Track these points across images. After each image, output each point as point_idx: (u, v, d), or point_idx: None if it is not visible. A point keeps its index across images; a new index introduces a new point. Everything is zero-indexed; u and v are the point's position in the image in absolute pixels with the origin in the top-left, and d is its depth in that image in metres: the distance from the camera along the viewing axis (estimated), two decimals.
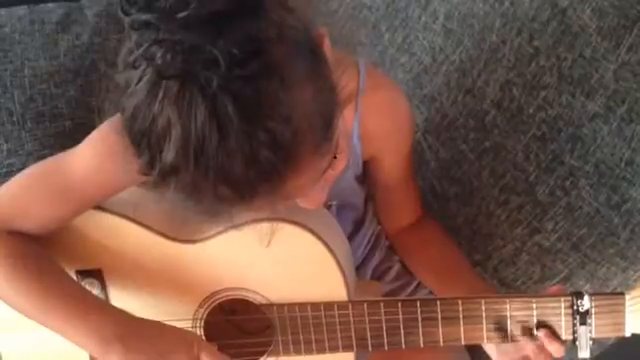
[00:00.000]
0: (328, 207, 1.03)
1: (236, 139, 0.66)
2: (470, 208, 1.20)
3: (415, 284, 1.12)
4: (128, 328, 0.91)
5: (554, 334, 0.90)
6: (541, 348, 0.90)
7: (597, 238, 1.10)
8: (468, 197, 1.21)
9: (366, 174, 1.07)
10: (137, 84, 0.68)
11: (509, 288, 1.15)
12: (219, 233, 0.94)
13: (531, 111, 1.16)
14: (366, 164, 1.05)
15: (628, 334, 0.89)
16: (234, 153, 0.67)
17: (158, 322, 0.93)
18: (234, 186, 0.69)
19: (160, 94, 0.67)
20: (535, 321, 0.90)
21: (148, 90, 0.67)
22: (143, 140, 0.70)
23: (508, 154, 1.17)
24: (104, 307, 0.94)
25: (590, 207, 1.10)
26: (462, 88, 1.24)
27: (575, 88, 1.12)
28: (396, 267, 1.13)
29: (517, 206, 1.16)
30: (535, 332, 0.90)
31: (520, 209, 1.16)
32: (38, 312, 0.92)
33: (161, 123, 0.68)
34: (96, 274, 0.99)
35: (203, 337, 0.98)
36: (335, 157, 0.76)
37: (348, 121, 0.96)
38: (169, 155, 0.68)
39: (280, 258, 0.93)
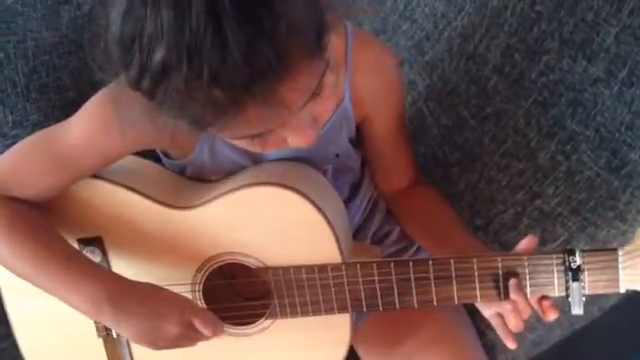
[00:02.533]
0: (324, 172, 1.03)
1: (232, 32, 0.66)
2: (471, 174, 1.20)
3: (416, 247, 1.13)
4: (119, 290, 0.92)
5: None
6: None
7: (597, 202, 1.10)
8: (469, 163, 1.21)
9: (360, 137, 1.07)
10: None
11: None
12: (215, 198, 0.95)
13: (533, 76, 1.15)
14: (359, 126, 1.05)
15: (623, 290, 0.89)
16: (230, 48, 0.66)
17: (151, 285, 0.94)
18: (228, 87, 0.68)
19: None
20: (527, 278, 0.91)
21: None
22: (134, 43, 0.69)
23: (509, 120, 1.17)
24: (96, 269, 0.96)
25: (590, 171, 1.10)
26: (464, 54, 1.23)
27: (577, 52, 1.11)
28: (396, 230, 1.13)
29: (518, 171, 1.16)
30: (528, 291, 0.91)
31: (521, 174, 1.16)
32: (32, 273, 0.94)
33: (153, 22, 0.67)
34: (97, 242, 1.00)
35: (201, 301, 1.00)
36: (326, 70, 0.76)
37: (340, 82, 0.96)
38: (160, 53, 0.67)
39: (273, 222, 0.94)
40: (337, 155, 1.04)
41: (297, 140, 0.81)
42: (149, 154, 1.05)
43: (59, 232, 0.98)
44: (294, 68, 0.70)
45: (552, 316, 0.90)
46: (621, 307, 1.10)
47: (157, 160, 1.07)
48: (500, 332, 0.93)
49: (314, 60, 0.73)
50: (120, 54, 0.71)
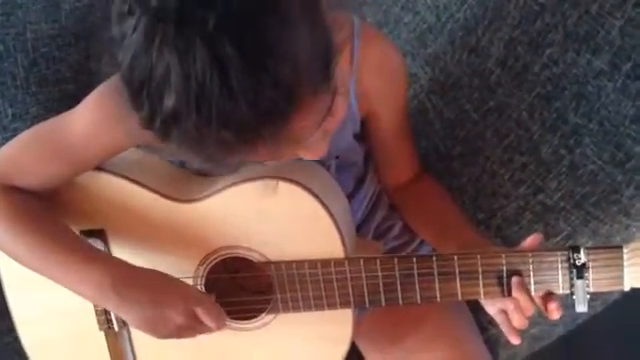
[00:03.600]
0: (327, 166, 1.03)
1: (237, 79, 0.66)
2: (474, 168, 1.20)
3: (418, 242, 1.12)
4: (124, 277, 0.92)
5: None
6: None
7: (600, 196, 1.09)
8: (472, 157, 1.20)
9: (364, 131, 1.06)
10: (133, 33, 0.68)
11: (512, 247, 1.15)
12: (218, 191, 0.95)
13: (536, 69, 1.15)
14: (364, 121, 1.05)
15: (627, 288, 0.89)
16: (236, 95, 0.66)
17: (157, 272, 0.94)
18: (237, 130, 0.69)
19: (157, 40, 0.66)
20: (532, 275, 0.90)
21: (145, 37, 0.67)
22: (143, 90, 0.69)
23: (512, 113, 1.17)
24: (101, 256, 0.96)
25: (594, 165, 1.10)
26: (466, 47, 1.23)
27: (580, 45, 1.11)
28: (398, 225, 1.13)
29: (521, 165, 1.16)
30: (532, 288, 0.90)
31: (524, 168, 1.16)
32: (37, 260, 0.94)
33: (160, 70, 0.67)
34: (99, 234, 1.00)
35: None
36: (334, 97, 0.76)
37: (345, 77, 0.95)
38: (170, 102, 0.68)
39: (277, 216, 0.94)
40: (341, 149, 1.03)
41: (309, 155, 0.83)
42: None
43: (60, 219, 0.97)
44: (302, 106, 0.71)
45: (556, 315, 0.90)
46: (623, 303, 1.09)
47: None
48: (504, 329, 0.93)
49: (321, 93, 0.73)
50: (130, 96, 0.72)
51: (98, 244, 1.00)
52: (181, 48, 0.66)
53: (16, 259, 0.96)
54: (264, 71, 0.67)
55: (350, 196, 1.07)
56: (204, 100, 0.67)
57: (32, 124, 1.07)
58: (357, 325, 1.00)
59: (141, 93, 0.70)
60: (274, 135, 0.71)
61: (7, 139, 1.02)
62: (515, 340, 0.92)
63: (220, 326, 0.93)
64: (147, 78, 0.69)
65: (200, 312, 0.92)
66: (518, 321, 0.91)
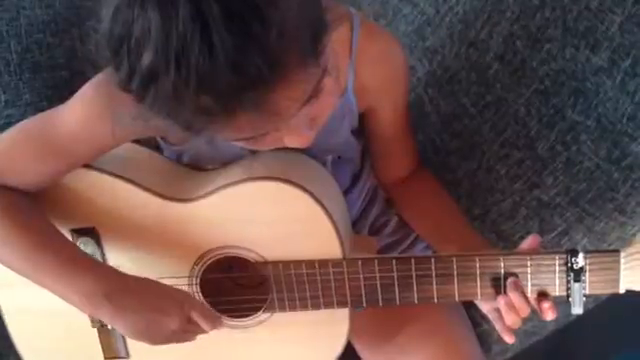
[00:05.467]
0: (324, 162, 1.02)
1: (220, 39, 0.64)
2: (470, 162, 1.20)
3: (412, 238, 1.12)
4: (117, 285, 0.91)
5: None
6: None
7: (596, 193, 1.10)
8: (468, 151, 1.20)
9: (363, 126, 1.06)
10: None
11: (507, 242, 1.16)
12: (213, 192, 0.94)
13: (534, 65, 1.14)
14: (362, 116, 1.04)
15: (622, 291, 0.89)
16: (217, 55, 0.64)
17: (149, 280, 0.93)
18: (217, 93, 0.67)
19: None
20: (529, 278, 0.90)
21: None
22: (123, 45, 0.67)
23: (510, 108, 1.16)
24: (93, 264, 0.94)
25: (590, 162, 1.10)
26: (465, 41, 1.22)
27: (580, 41, 1.10)
28: (393, 221, 1.13)
29: (517, 160, 1.16)
30: (529, 290, 0.91)
31: (520, 164, 1.15)
32: (27, 268, 0.93)
33: (141, 24, 0.65)
34: (91, 233, 0.99)
35: (199, 294, 0.99)
36: (323, 75, 0.74)
37: (343, 70, 0.94)
38: (148, 58, 0.66)
39: (274, 216, 0.93)
40: (338, 145, 1.02)
41: (293, 141, 0.80)
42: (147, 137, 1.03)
43: (53, 223, 0.96)
44: (286, 76, 0.68)
45: (550, 316, 0.90)
46: (616, 299, 1.10)
47: (156, 144, 1.05)
48: (498, 327, 0.93)
49: (309, 66, 0.70)
50: (110, 54, 0.70)
51: (90, 243, 0.99)
52: (164, 2, 0.64)
53: (4, 263, 0.94)
54: (249, 33, 0.65)
55: (346, 192, 1.07)
56: (184, 58, 0.65)
57: (25, 111, 1.06)
58: (352, 322, 1.00)
59: (121, 49, 0.68)
60: (255, 104, 0.68)
61: (1, 127, 1.01)
62: (509, 339, 0.92)
63: (215, 328, 0.93)
64: (127, 33, 0.67)
65: (195, 316, 0.91)
66: (512, 321, 0.91)
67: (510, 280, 0.90)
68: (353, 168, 1.09)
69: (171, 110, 0.70)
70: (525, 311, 0.90)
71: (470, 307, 1.13)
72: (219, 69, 0.65)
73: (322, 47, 0.72)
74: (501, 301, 0.91)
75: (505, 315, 0.91)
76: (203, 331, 0.93)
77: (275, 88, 0.68)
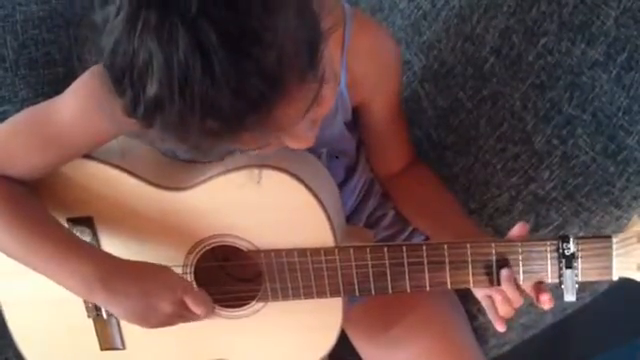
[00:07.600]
0: (318, 155, 1.02)
1: (221, 67, 0.65)
2: (467, 157, 1.20)
3: (409, 231, 1.12)
4: (110, 269, 0.91)
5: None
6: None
7: (592, 187, 1.09)
8: (465, 146, 1.20)
9: (356, 119, 1.06)
10: (115, 18, 0.67)
11: (503, 236, 1.14)
12: (207, 180, 0.94)
13: (530, 59, 1.14)
14: (356, 109, 1.04)
15: (615, 278, 0.89)
16: (219, 82, 0.66)
17: (143, 263, 0.94)
18: (221, 118, 0.68)
19: (139, 26, 0.66)
20: (521, 265, 0.90)
21: (127, 23, 0.66)
22: (125, 77, 0.68)
23: (506, 102, 1.16)
24: (87, 249, 0.95)
25: (586, 156, 1.10)
26: (461, 35, 1.22)
27: (576, 35, 1.10)
28: (390, 214, 1.13)
29: (513, 155, 1.16)
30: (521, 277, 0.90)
31: (516, 158, 1.15)
32: (22, 253, 0.93)
33: (142, 56, 0.66)
34: (87, 222, 0.99)
35: (193, 282, 0.99)
36: (321, 85, 0.75)
37: (335, 65, 0.94)
38: (152, 88, 0.67)
39: (266, 205, 0.93)
40: (332, 138, 1.02)
41: (296, 144, 0.81)
42: None
43: (49, 211, 0.96)
44: (287, 94, 0.70)
45: (548, 306, 0.90)
46: (612, 293, 1.10)
47: None
48: (490, 315, 0.93)
49: (308, 82, 0.72)
50: (112, 83, 0.71)
51: (86, 232, 0.99)
52: (163, 34, 0.65)
53: (2, 249, 0.95)
54: (248, 59, 0.66)
55: (341, 185, 1.07)
56: (187, 87, 0.66)
57: (21, 107, 1.06)
58: (347, 313, 1.00)
59: (123, 80, 0.69)
60: (259, 124, 0.70)
61: None
62: (500, 327, 0.92)
63: (208, 313, 0.93)
64: (129, 65, 0.68)
65: (188, 300, 0.91)
66: (504, 311, 0.91)
67: (504, 272, 0.90)
68: (348, 162, 1.09)
69: (179, 135, 0.71)
70: (518, 302, 0.90)
71: (467, 301, 1.13)
72: (222, 95, 0.66)
73: (319, 58, 0.73)
74: (495, 294, 0.91)
75: (499, 306, 0.91)
76: (196, 316, 0.93)
77: (277, 106, 0.70)
